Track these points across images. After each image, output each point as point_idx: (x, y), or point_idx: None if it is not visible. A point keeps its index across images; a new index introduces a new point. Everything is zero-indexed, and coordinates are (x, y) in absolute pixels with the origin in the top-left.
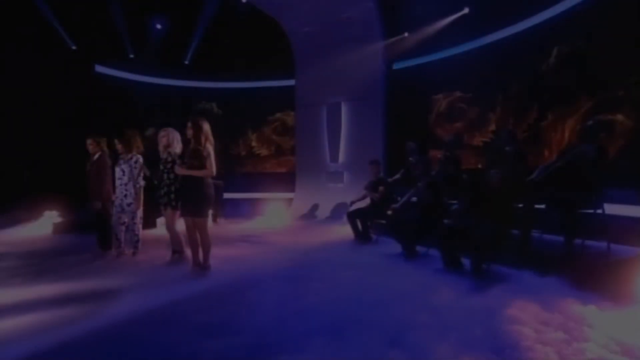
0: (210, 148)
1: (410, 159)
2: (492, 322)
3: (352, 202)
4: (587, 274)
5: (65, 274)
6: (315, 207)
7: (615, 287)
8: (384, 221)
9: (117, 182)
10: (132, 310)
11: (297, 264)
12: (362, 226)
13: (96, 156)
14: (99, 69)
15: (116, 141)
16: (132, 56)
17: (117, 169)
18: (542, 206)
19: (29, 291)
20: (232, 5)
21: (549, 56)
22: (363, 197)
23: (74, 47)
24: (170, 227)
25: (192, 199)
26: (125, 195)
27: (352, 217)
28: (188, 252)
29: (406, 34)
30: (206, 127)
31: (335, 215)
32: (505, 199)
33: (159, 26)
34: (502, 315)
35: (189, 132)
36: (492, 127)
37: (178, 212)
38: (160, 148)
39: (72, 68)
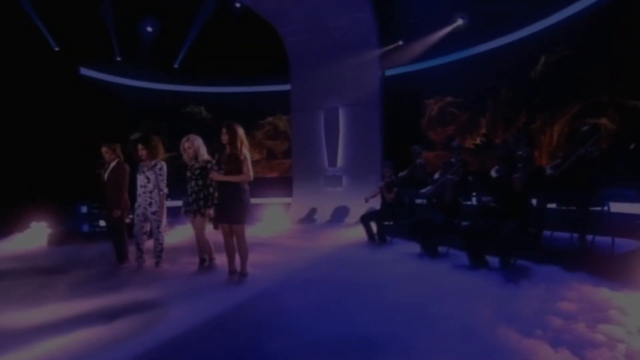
0: (246, 152)
1: (419, 160)
2: (541, 306)
3: (367, 199)
4: (605, 265)
5: (95, 288)
6: (313, 211)
7: (631, 275)
8: (391, 222)
9: (140, 190)
10: (186, 322)
11: (328, 266)
12: (377, 228)
13: (113, 164)
14: (84, 71)
15: (140, 147)
16: (119, 59)
17: (141, 176)
18: (553, 205)
19: (66, 308)
20: (224, 10)
21: (537, 64)
22: (376, 194)
23: (56, 48)
24: (200, 234)
25: (230, 205)
26: (150, 204)
27: (366, 219)
28: (217, 259)
29: (401, 42)
30: (241, 131)
31: (335, 218)
32: (525, 199)
33: (149, 29)
34: (549, 303)
35: (225, 138)
36: (483, 130)
37: (206, 219)
38: (186, 157)
39: (55, 70)
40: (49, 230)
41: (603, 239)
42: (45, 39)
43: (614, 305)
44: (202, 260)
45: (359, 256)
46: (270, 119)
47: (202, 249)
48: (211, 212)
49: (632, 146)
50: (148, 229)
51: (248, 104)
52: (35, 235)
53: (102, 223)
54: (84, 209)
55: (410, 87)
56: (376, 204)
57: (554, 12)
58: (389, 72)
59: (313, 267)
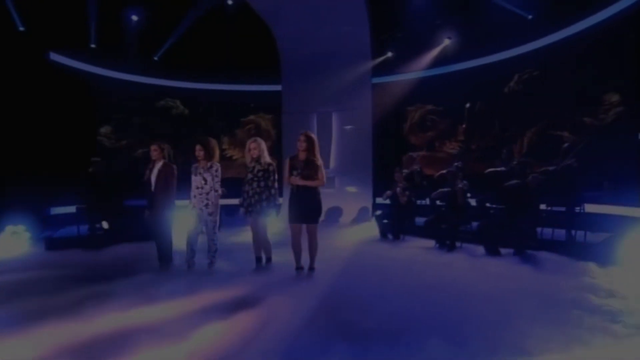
0: (320, 159)
1: (456, 164)
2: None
3: (387, 196)
4: (591, 252)
5: (175, 288)
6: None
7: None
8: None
9: (196, 191)
10: (299, 307)
11: (367, 259)
12: (392, 226)
13: (160, 163)
14: (55, 57)
15: (198, 148)
16: (93, 46)
17: (197, 178)
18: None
19: (173, 307)
20: (216, 5)
21: (510, 81)
22: (391, 195)
23: (22, 29)
24: (263, 235)
25: (308, 207)
26: (207, 205)
27: (380, 219)
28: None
29: (390, 54)
30: (316, 139)
31: (329, 219)
32: (535, 198)
33: (134, 17)
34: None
35: (303, 145)
36: (461, 137)
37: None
38: (248, 157)
39: (20, 53)
40: (27, 235)
41: (579, 233)
42: (10, 17)
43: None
44: (258, 260)
45: (380, 252)
46: (252, 117)
47: (264, 248)
48: (275, 212)
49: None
50: (203, 229)
51: (230, 102)
52: (11, 241)
53: (105, 225)
54: (73, 210)
55: (394, 95)
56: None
57: (528, 41)
58: (374, 80)
59: (356, 262)
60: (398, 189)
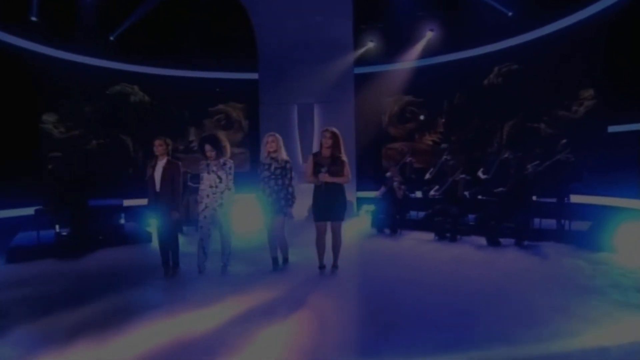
0: (345, 155)
1: (446, 157)
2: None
3: (383, 192)
4: (583, 239)
5: (202, 293)
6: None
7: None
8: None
9: (209, 190)
10: (342, 302)
11: (378, 255)
12: (389, 220)
13: (164, 160)
14: None
15: (208, 148)
16: (34, 19)
17: (211, 176)
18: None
19: (217, 310)
20: None
21: (490, 73)
22: (386, 190)
23: None
24: (281, 235)
25: (334, 203)
26: (221, 204)
27: (376, 213)
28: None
29: (371, 44)
30: (339, 134)
31: (312, 215)
32: (532, 190)
33: None
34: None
35: (328, 142)
36: (441, 129)
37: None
38: (265, 153)
39: None
40: None
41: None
42: None
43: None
44: (274, 260)
45: (381, 248)
46: (221, 106)
47: (281, 248)
48: (292, 211)
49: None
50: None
51: (196, 90)
52: None
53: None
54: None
55: (372, 86)
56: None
57: (508, 37)
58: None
59: (369, 258)
60: (395, 184)
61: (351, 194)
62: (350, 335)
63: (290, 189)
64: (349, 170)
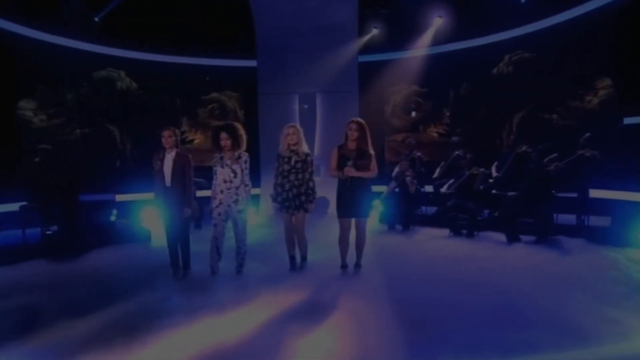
0: (372, 148)
1: (458, 152)
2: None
3: (393, 187)
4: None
5: (225, 299)
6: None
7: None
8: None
9: (224, 186)
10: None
11: (393, 255)
12: (401, 216)
13: (173, 153)
14: None
15: (224, 136)
16: None
17: (224, 170)
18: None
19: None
20: None
21: (501, 61)
22: (397, 185)
23: None
24: (301, 232)
25: (360, 200)
26: (236, 201)
27: (387, 209)
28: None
29: (375, 30)
30: (366, 125)
31: (316, 210)
32: (553, 186)
33: None
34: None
35: (354, 134)
36: (447, 120)
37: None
38: (284, 146)
39: None
40: None
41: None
42: None
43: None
44: (292, 259)
45: (407, 242)
46: (215, 95)
47: (299, 246)
48: (312, 207)
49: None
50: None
51: (188, 77)
52: None
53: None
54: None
55: (375, 74)
56: None
57: (520, 25)
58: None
59: (388, 257)
60: (408, 178)
61: None
62: (396, 338)
63: (310, 184)
64: (375, 165)
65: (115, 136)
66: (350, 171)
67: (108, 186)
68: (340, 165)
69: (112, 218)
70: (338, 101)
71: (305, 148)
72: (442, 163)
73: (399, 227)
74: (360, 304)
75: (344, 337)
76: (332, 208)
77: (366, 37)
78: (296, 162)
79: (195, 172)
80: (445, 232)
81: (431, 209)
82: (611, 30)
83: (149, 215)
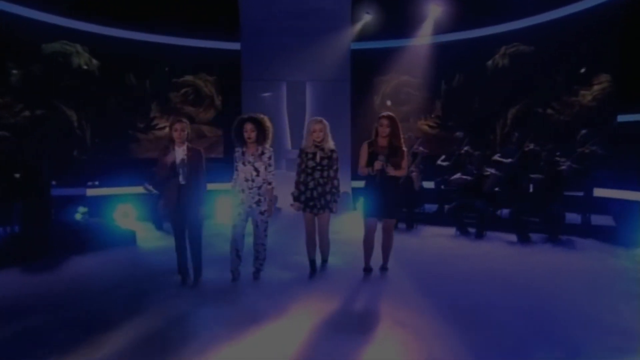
0: (404, 144)
1: (466, 149)
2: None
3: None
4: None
5: (256, 307)
6: (274, 199)
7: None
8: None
9: (245, 185)
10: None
11: (410, 257)
12: (405, 215)
13: (184, 147)
14: None
15: (250, 128)
16: None
17: (247, 168)
18: None
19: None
20: None
21: (497, 53)
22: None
23: None
24: (325, 234)
25: (390, 199)
26: (258, 202)
27: None
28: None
29: (367, 15)
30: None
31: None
32: (564, 185)
33: None
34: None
35: (386, 130)
36: (438, 113)
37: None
38: (308, 142)
39: None
40: None
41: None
42: None
43: None
44: (312, 263)
45: (414, 242)
46: (190, 78)
47: (322, 249)
48: (337, 206)
49: None
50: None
51: (159, 57)
52: None
53: None
54: None
55: (365, 63)
56: None
57: (519, 18)
58: None
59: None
60: (413, 174)
61: (346, 185)
62: (461, 347)
63: (335, 182)
64: (407, 162)
65: (72, 121)
66: (379, 165)
67: (66, 179)
68: (370, 163)
69: (78, 216)
70: (330, 90)
71: (331, 144)
72: (443, 157)
73: (401, 225)
74: (404, 311)
75: (409, 350)
76: None
77: (360, 23)
78: (322, 158)
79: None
80: (450, 230)
81: (434, 207)
82: (610, 27)
83: (122, 214)
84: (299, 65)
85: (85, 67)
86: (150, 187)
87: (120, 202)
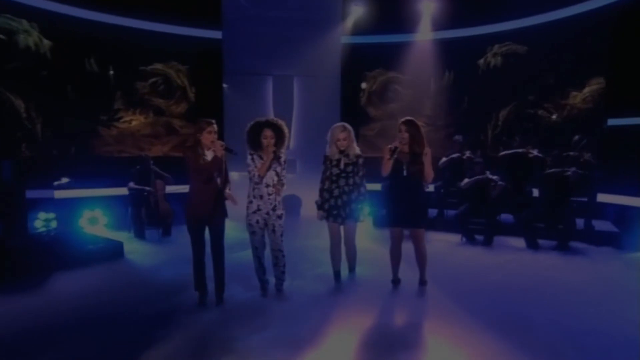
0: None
1: (468, 154)
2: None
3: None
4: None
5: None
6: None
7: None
8: None
9: (264, 190)
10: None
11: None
12: None
13: (209, 152)
14: None
15: (269, 134)
16: None
17: (269, 173)
18: None
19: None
20: None
21: (490, 50)
22: None
23: None
24: (352, 243)
25: (415, 208)
26: (275, 207)
27: None
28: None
29: (358, 8)
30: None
31: (288, 210)
32: (572, 191)
33: None
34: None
35: (405, 136)
36: (428, 112)
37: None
38: (334, 148)
39: None
40: None
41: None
42: None
43: None
44: (337, 275)
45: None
46: (159, 66)
47: (349, 258)
48: (363, 215)
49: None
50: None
51: (125, 42)
52: None
53: None
54: None
55: (351, 58)
56: None
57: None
58: None
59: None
60: None
61: None
62: None
63: (362, 189)
64: (430, 169)
65: (18, 110)
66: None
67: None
68: (394, 171)
69: (39, 224)
70: (318, 86)
71: (356, 150)
72: (444, 159)
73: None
74: (458, 327)
75: None
76: (306, 209)
77: (350, 16)
78: (346, 164)
79: (159, 166)
80: (455, 237)
81: (433, 212)
82: (605, 31)
83: (89, 221)
84: (286, 58)
85: (34, 48)
86: (138, 186)
87: (85, 207)
